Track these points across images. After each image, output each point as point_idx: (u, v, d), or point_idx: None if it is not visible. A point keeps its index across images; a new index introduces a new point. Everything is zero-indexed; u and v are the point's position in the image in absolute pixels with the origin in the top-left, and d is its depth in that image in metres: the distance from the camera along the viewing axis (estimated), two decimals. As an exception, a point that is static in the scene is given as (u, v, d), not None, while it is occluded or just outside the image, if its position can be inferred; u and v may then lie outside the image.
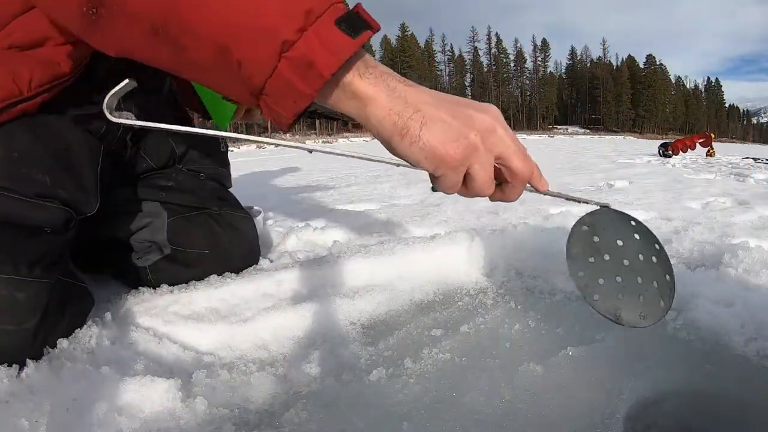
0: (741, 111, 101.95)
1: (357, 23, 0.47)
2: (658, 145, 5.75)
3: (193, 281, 1.01)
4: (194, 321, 0.87)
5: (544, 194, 0.59)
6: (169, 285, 0.99)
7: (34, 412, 0.56)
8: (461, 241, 1.16)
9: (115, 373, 0.66)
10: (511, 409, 0.64)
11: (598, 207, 0.61)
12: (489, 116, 0.50)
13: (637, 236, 0.59)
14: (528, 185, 0.56)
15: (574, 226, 0.58)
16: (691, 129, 69.83)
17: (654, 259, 0.58)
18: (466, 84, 72.87)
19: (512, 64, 73.14)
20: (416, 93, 0.49)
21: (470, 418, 0.63)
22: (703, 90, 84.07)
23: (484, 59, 72.78)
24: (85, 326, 0.78)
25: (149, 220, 0.99)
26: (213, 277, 1.03)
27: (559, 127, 72.03)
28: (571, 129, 69.95)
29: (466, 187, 0.53)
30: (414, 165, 0.50)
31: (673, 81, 77.88)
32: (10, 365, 0.67)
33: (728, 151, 7.80)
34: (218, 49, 0.46)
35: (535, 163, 0.54)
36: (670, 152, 5.30)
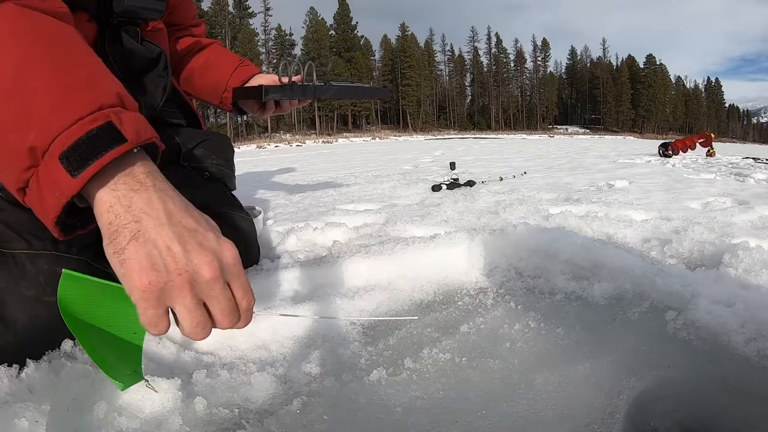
0: (741, 111, 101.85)
1: (92, 149, 0.42)
2: (658, 145, 5.74)
3: (193, 281, 1.01)
4: (194, 321, 0.86)
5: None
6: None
7: (34, 412, 0.56)
8: (461, 241, 1.16)
9: (115, 373, 0.66)
10: (511, 409, 0.64)
11: None
12: (212, 260, 0.44)
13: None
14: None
15: None
16: (691, 129, 69.68)
17: None
18: (466, 84, 72.85)
19: (512, 64, 73.04)
20: (147, 201, 0.44)
21: (470, 418, 0.63)
22: (703, 90, 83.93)
23: (484, 59, 72.72)
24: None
25: None
26: (213, 277, 1.03)
27: (559, 126, 71.96)
28: (571, 129, 69.88)
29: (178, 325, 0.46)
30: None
31: (673, 81, 77.82)
32: (10, 365, 0.67)
33: (728, 151, 7.80)
34: None
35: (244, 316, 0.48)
36: (670, 152, 5.28)
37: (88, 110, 0.44)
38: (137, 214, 0.43)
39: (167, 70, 0.96)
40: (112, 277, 0.84)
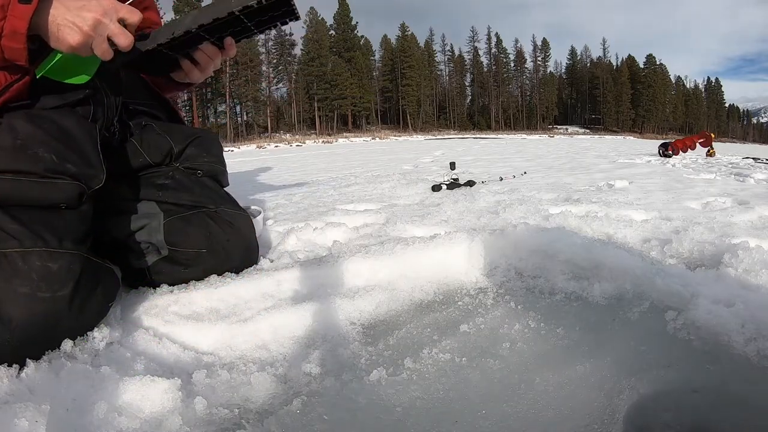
0: (741, 111, 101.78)
1: None
2: (658, 145, 5.75)
3: (193, 281, 1.01)
4: (194, 321, 0.87)
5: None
6: (169, 285, 0.99)
7: (34, 412, 0.56)
8: (461, 241, 1.16)
9: (115, 373, 0.66)
10: (511, 409, 0.64)
11: None
12: (96, 11, 0.77)
13: None
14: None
15: None
16: (691, 129, 69.59)
17: None
18: (466, 84, 72.83)
19: (512, 64, 72.97)
20: (56, 6, 0.75)
21: (470, 418, 0.63)
22: (703, 90, 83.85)
23: (484, 59, 72.64)
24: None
25: (146, 221, 1.00)
26: (213, 277, 1.03)
27: (559, 126, 71.90)
28: (571, 129, 69.82)
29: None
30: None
31: (673, 81, 77.76)
32: (10, 365, 0.67)
33: (728, 151, 7.80)
34: None
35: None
36: (670, 152, 5.29)
37: None
38: (56, 16, 0.75)
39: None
40: (112, 270, 0.87)
